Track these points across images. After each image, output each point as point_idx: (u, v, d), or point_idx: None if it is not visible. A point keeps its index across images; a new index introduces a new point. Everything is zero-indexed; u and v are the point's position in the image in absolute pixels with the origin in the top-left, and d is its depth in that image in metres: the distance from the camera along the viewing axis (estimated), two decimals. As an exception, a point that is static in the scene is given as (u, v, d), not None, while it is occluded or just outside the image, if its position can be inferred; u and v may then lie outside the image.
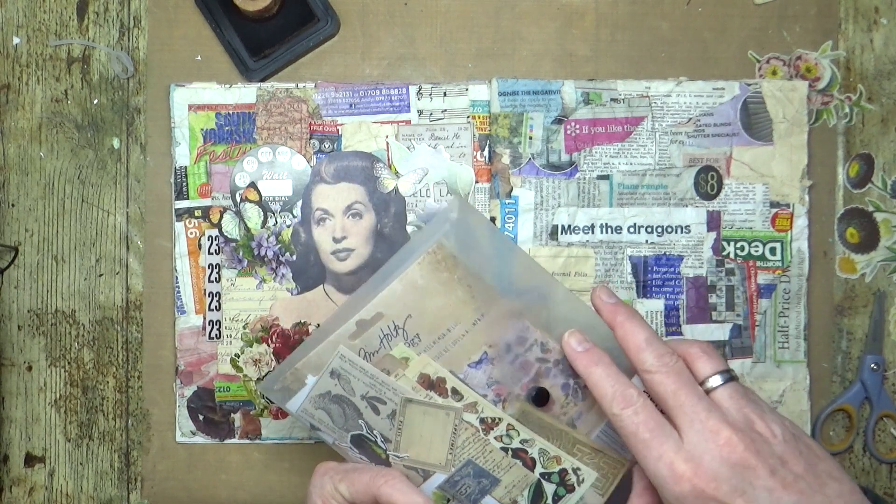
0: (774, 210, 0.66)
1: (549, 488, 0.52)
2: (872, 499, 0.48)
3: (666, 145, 0.66)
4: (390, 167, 0.66)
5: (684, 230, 0.66)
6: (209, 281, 0.66)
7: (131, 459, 0.67)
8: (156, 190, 0.67)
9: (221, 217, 0.66)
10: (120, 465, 0.67)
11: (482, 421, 0.51)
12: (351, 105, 0.66)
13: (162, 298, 0.67)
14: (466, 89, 0.66)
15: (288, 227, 0.66)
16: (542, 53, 0.67)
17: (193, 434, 0.66)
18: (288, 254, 0.66)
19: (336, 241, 0.66)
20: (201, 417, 0.66)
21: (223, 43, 0.66)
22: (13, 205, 0.67)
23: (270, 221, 0.66)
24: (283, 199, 0.66)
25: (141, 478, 0.67)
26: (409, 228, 0.66)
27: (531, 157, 0.66)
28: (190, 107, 0.66)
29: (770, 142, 0.66)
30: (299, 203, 0.66)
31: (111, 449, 0.67)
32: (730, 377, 0.46)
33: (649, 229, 0.66)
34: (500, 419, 0.51)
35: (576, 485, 0.52)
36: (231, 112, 0.66)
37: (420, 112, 0.66)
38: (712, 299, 0.66)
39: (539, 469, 0.52)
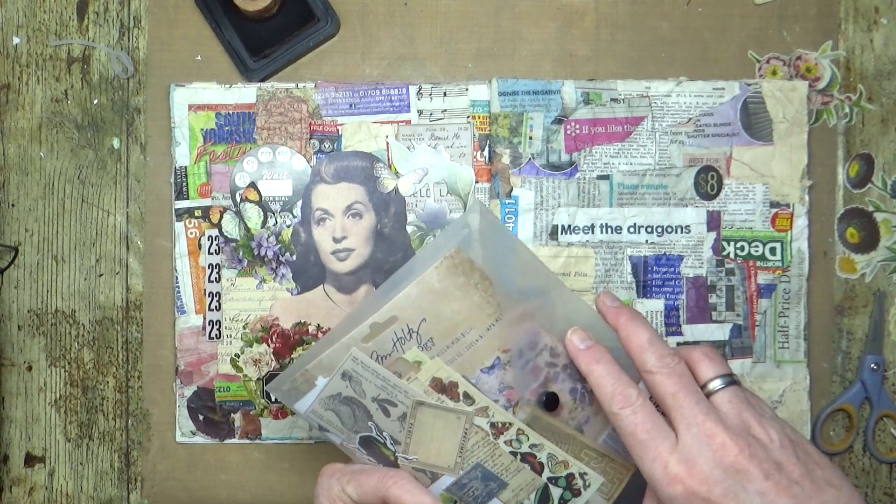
0: (774, 210, 0.66)
1: (556, 492, 0.52)
2: None
3: (666, 145, 0.66)
4: (390, 167, 0.66)
5: (684, 230, 0.66)
6: (209, 281, 0.66)
7: (131, 459, 0.67)
8: (156, 190, 0.67)
9: (221, 217, 0.66)
10: (120, 465, 0.67)
11: (492, 425, 0.51)
12: (351, 105, 0.66)
13: (162, 298, 0.67)
14: (466, 89, 0.66)
15: (288, 227, 0.66)
16: (542, 53, 0.67)
17: (193, 434, 0.66)
18: (288, 254, 0.66)
19: (336, 241, 0.66)
20: (201, 417, 0.66)
21: (223, 43, 0.66)
22: (13, 205, 0.67)
23: (270, 221, 0.66)
24: (283, 199, 0.66)
25: (141, 478, 0.67)
26: (409, 228, 0.66)
27: (531, 157, 0.66)
28: (190, 107, 0.66)
29: (770, 142, 0.66)
30: (299, 203, 0.66)
31: (111, 449, 0.67)
32: (731, 381, 0.47)
33: (649, 229, 0.66)
34: (510, 424, 0.51)
35: (582, 489, 0.52)
36: (231, 112, 0.66)
37: (420, 112, 0.66)
38: (712, 299, 0.66)
39: (547, 473, 0.52)
